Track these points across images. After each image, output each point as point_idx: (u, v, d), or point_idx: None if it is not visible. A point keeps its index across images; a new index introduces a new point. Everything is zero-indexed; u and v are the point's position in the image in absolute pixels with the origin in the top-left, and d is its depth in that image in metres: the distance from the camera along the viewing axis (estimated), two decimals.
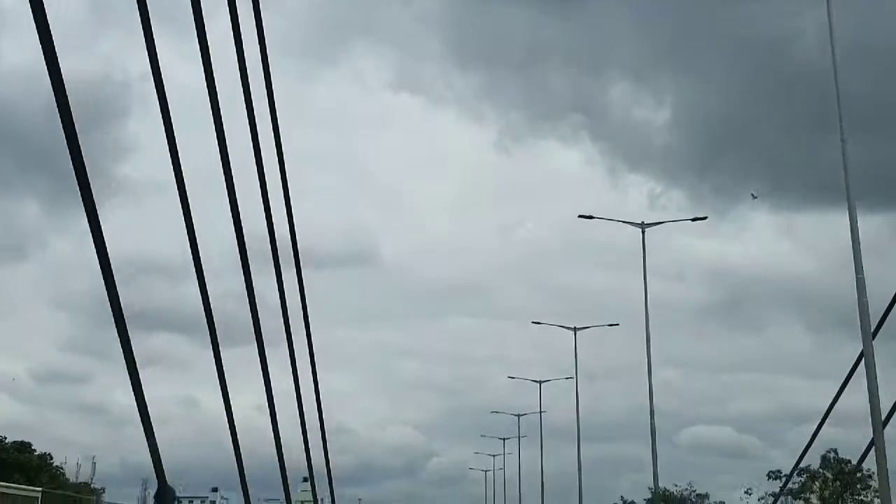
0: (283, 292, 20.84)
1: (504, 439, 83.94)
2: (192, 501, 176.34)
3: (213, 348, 14.36)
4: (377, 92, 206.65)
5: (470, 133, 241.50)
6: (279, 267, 20.20)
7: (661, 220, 39.70)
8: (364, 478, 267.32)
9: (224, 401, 16.93)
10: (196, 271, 12.01)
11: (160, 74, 9.63)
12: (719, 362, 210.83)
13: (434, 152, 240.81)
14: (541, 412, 68.09)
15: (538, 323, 58.09)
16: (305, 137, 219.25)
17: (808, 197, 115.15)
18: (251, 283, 17.28)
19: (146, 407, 11.05)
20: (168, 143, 9.02)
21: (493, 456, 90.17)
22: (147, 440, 11.83)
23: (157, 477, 14.08)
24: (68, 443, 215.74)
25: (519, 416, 76.07)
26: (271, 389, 18.70)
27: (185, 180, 10.97)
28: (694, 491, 35.44)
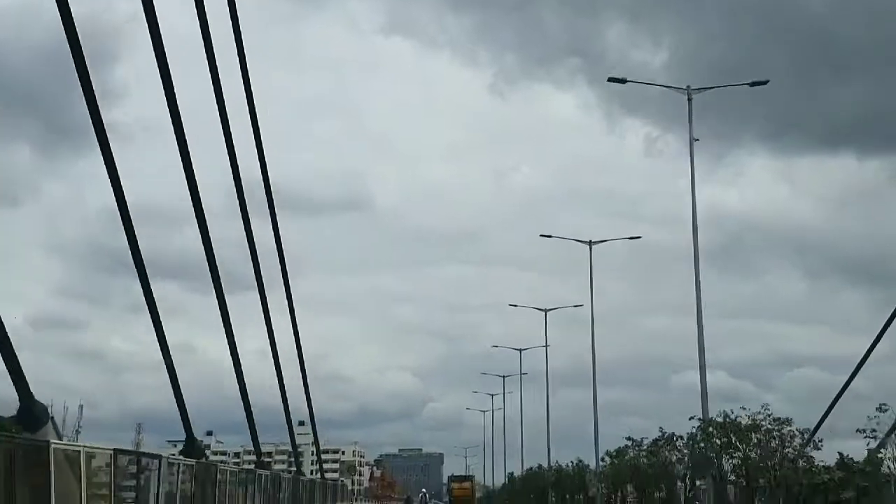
0: (252, 235, 23.62)
1: (504, 377, 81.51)
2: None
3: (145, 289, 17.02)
4: (369, 35, 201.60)
5: (464, 77, 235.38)
6: (246, 208, 22.95)
7: (711, 86, 33.18)
8: (361, 422, 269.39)
9: (161, 345, 17.65)
10: (122, 213, 15.35)
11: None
12: (714, 308, 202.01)
13: (428, 96, 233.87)
14: (546, 345, 62.41)
15: (548, 236, 51.10)
16: (297, 83, 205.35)
17: (807, 142, 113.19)
18: (206, 229, 19.35)
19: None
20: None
21: (492, 395, 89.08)
22: (1, 353, 12.27)
23: (18, 393, 12.55)
24: (67, 389, 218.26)
25: (521, 350, 72.91)
26: (234, 341, 22.62)
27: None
28: (770, 415, 24.91)
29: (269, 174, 23.05)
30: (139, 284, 17.14)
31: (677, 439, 30.39)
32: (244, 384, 23.67)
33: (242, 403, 24.54)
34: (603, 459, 40.90)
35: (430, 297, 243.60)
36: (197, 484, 18.86)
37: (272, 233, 26.27)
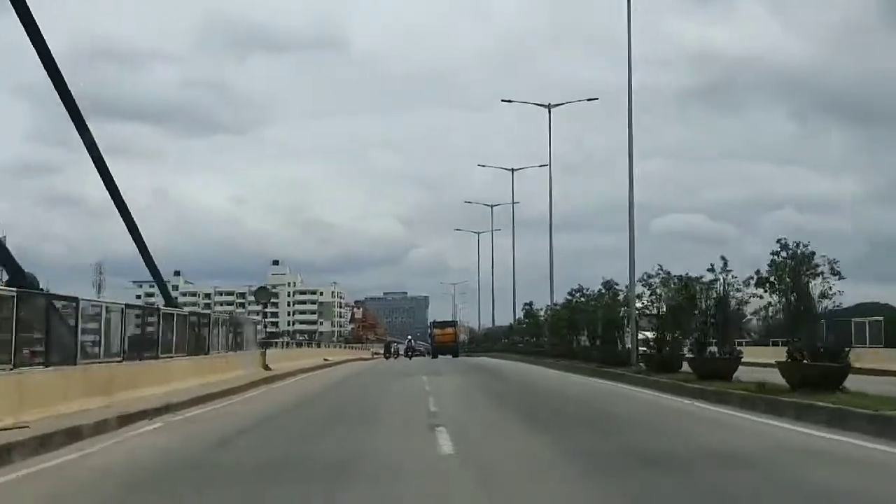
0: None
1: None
2: (153, 285, 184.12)
3: None
4: None
5: None
6: None
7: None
8: (345, 267, 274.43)
9: None
10: None
11: None
12: (698, 150, 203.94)
13: None
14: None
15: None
16: None
17: None
18: None
19: None
20: None
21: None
22: None
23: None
24: (46, 235, 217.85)
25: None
26: None
27: None
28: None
29: None
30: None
31: None
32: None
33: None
34: None
35: (409, 143, 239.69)
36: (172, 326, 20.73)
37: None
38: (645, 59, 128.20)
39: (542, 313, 50.40)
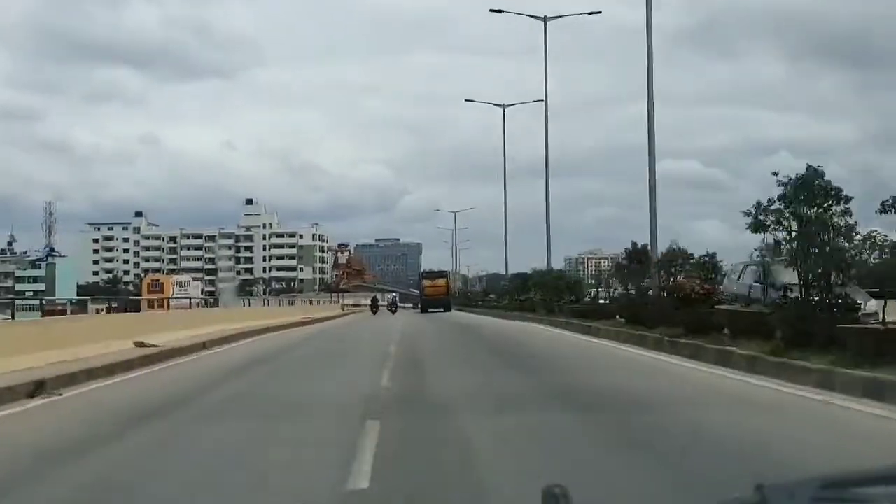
0: None
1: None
2: (111, 228, 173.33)
3: None
4: None
5: None
6: None
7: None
8: (337, 214, 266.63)
9: None
10: None
11: None
12: (691, 93, 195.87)
13: None
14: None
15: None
16: None
17: None
18: None
19: None
20: None
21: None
22: None
23: None
24: (34, 182, 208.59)
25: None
26: None
27: None
28: None
29: None
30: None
31: None
32: None
33: None
34: None
35: (400, 89, 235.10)
36: None
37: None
38: None
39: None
